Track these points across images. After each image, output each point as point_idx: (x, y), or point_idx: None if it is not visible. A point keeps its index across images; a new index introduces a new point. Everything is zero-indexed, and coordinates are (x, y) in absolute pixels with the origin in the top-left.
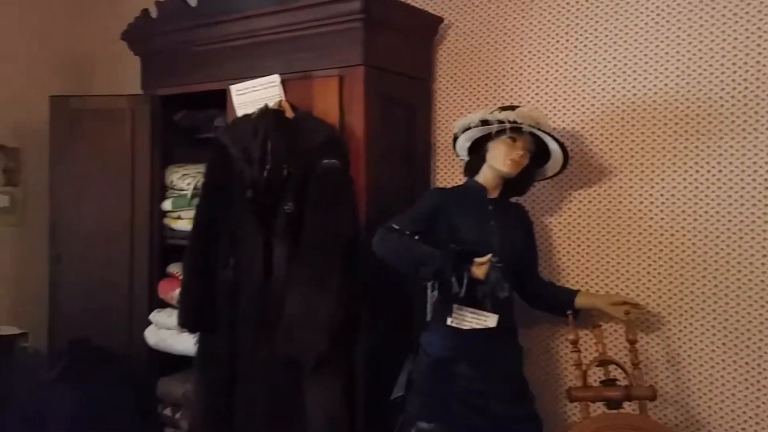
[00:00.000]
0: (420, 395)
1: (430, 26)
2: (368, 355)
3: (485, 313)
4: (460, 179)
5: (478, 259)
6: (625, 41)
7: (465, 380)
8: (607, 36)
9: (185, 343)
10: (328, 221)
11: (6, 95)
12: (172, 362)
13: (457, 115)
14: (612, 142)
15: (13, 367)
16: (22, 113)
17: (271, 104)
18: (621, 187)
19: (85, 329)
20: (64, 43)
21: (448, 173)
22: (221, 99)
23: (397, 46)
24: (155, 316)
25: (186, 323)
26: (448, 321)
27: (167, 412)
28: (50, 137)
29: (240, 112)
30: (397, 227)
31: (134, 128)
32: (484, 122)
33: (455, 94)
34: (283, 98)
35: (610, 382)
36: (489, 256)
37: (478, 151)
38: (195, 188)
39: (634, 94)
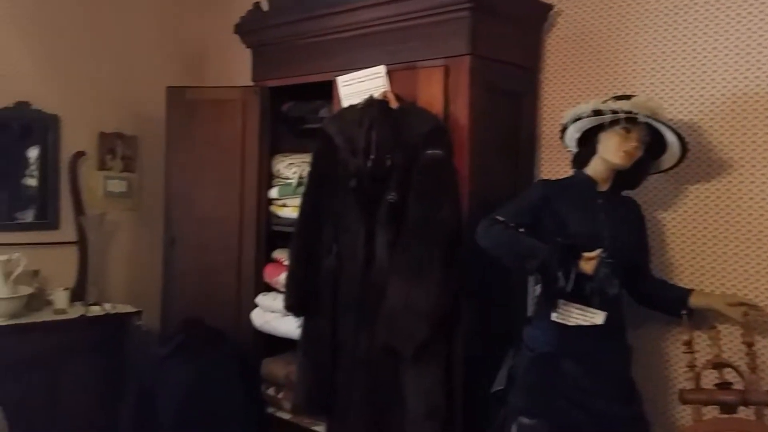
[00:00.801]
0: (522, 390)
1: (539, 13)
2: (468, 347)
3: (592, 309)
4: (565, 171)
5: (586, 254)
6: (748, 26)
7: (569, 376)
8: (727, 20)
9: (288, 326)
10: (430, 211)
11: (127, 86)
12: (277, 344)
13: (564, 105)
14: (732, 134)
15: (127, 343)
16: (140, 103)
17: (376, 95)
18: (741, 182)
19: (196, 309)
20: (180, 35)
21: (554, 165)
22: (328, 90)
23: (505, 34)
24: (261, 299)
25: (291, 307)
26: (553, 316)
27: (271, 391)
28: (166, 126)
29: (346, 103)
30: (501, 219)
31: (244, 119)
32: (597, 112)
33: (564, 83)
34: (388, 89)
35: (724, 386)
36: (599, 251)
37: (588, 142)
38: (300, 177)
39: (758, 84)
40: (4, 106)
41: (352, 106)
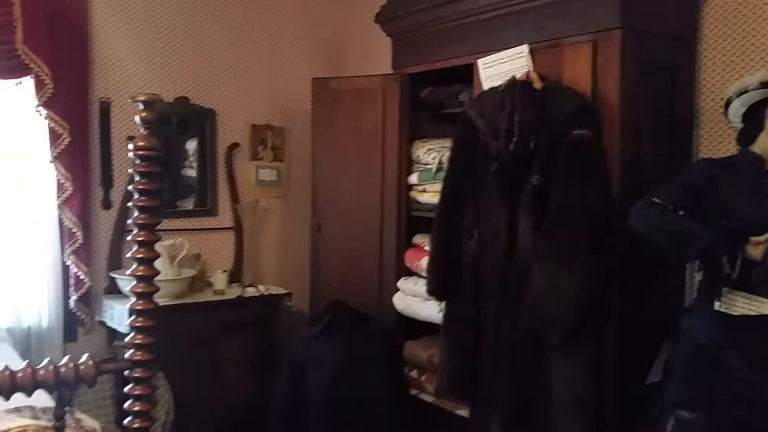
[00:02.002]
0: (681, 383)
1: None
2: (619, 336)
3: (760, 298)
4: (728, 150)
5: (754, 238)
6: None
7: (733, 369)
8: None
9: (430, 310)
10: (577, 194)
11: (275, 80)
12: (418, 327)
13: (725, 78)
14: None
15: (279, 322)
16: (288, 96)
17: (518, 76)
18: None
19: (341, 292)
20: (322, 28)
21: (714, 143)
22: (467, 74)
23: (658, 4)
24: (402, 283)
25: (433, 292)
26: (716, 305)
27: (413, 374)
28: (312, 116)
29: (487, 86)
30: (658, 201)
31: (385, 106)
32: (765, 84)
33: (724, 55)
34: (531, 69)
35: None
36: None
37: (755, 117)
38: (440, 162)
39: None
40: (166, 102)
41: (493, 89)
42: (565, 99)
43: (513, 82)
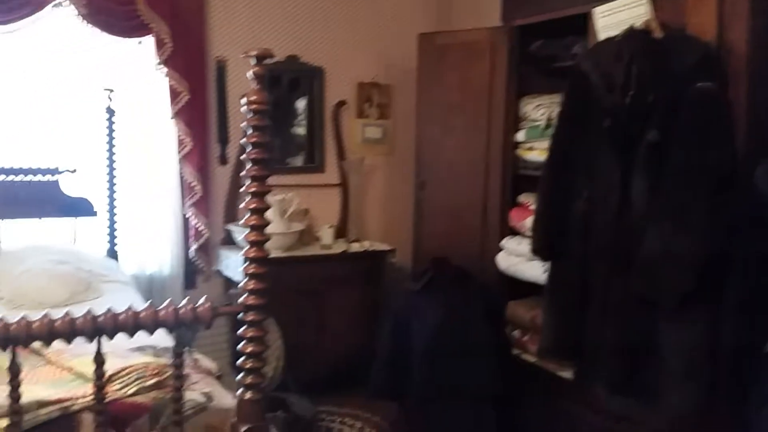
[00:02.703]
0: None
1: None
2: (738, 302)
3: None
4: None
5: None
6: None
7: None
8: None
9: (534, 271)
10: (698, 152)
11: (381, 37)
12: (522, 287)
13: None
14: None
15: (382, 277)
16: (393, 53)
17: (637, 25)
18: None
19: (444, 249)
20: None
21: None
22: (580, 25)
23: None
24: (506, 242)
25: (538, 251)
26: None
27: (516, 334)
28: (417, 72)
29: (603, 36)
30: None
31: (493, 60)
32: None
33: None
34: (652, 17)
35: None
36: None
37: None
38: (549, 119)
39: None
40: (277, 60)
41: (609, 39)
42: (688, 49)
43: (631, 32)
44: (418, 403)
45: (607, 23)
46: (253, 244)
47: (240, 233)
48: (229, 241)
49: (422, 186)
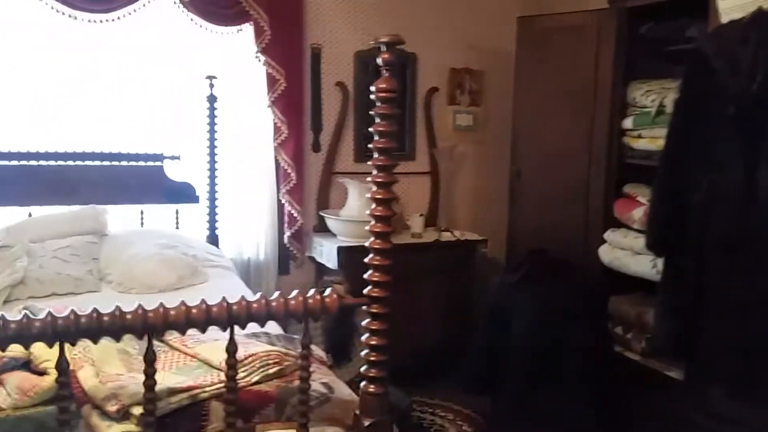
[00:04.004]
0: None
1: None
2: None
3: None
4: None
5: None
6: None
7: None
8: None
9: (641, 266)
10: None
11: (476, 22)
12: (624, 282)
13: None
14: None
15: (473, 268)
16: (488, 38)
17: (766, 6)
18: None
19: (540, 241)
20: None
21: None
22: (696, 6)
23: None
24: (610, 235)
25: (652, 246)
26: None
27: (618, 330)
28: (516, 58)
29: (725, 19)
30: None
31: (599, 44)
32: None
33: None
34: None
35: None
36: None
37: None
38: (660, 105)
39: None
40: (368, 47)
41: (733, 22)
42: None
43: (759, 14)
44: (513, 398)
45: (731, 5)
46: (378, 235)
47: (333, 222)
48: (321, 228)
49: (518, 175)
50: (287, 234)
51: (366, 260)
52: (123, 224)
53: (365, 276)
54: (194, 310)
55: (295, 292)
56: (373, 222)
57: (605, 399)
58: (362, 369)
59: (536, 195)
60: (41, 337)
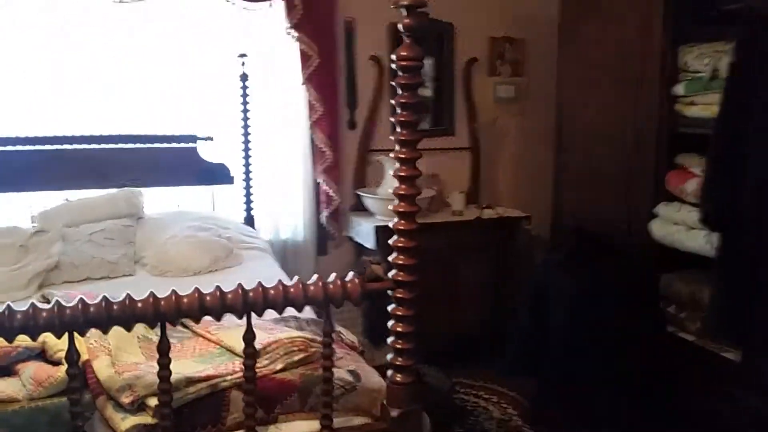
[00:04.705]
0: None
1: None
2: None
3: None
4: None
5: None
6: None
7: None
8: None
9: (696, 241)
10: None
11: None
12: (676, 258)
13: None
14: None
15: (515, 245)
16: (530, 4)
17: None
18: None
19: (586, 216)
20: None
21: None
22: None
23: None
24: (662, 208)
25: (707, 221)
26: None
27: (671, 309)
28: (559, 24)
29: None
30: None
31: (648, 7)
32: None
33: None
34: None
35: None
36: None
37: None
38: (714, 70)
39: None
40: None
41: None
42: None
43: None
44: (558, 381)
45: None
46: (402, 215)
47: (371, 201)
48: (359, 207)
49: (561, 148)
50: (324, 214)
51: (390, 242)
52: (159, 207)
53: (389, 258)
54: (208, 298)
55: (314, 278)
56: (396, 201)
57: (655, 381)
58: (388, 357)
59: (581, 168)
60: (48, 327)
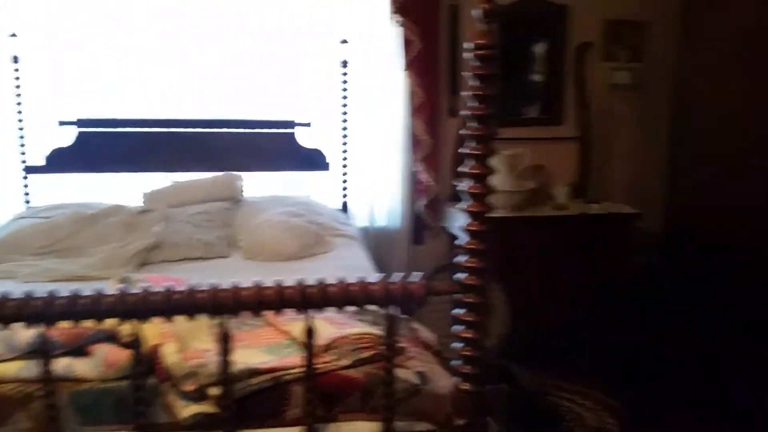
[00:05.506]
0: None
1: None
2: None
3: None
4: None
5: None
6: None
7: None
8: None
9: None
10: None
11: None
12: None
13: None
14: None
15: (625, 245)
16: None
17: None
18: None
19: (710, 216)
20: None
21: None
22: None
23: None
24: None
25: None
26: None
27: None
28: (683, 5)
29: None
30: None
31: None
32: None
33: None
34: None
35: None
36: None
37: None
38: None
39: None
40: (512, 2)
41: None
42: None
43: None
44: (663, 392)
45: None
46: (473, 215)
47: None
48: (457, 197)
49: (682, 141)
50: (420, 203)
51: (459, 243)
52: (258, 191)
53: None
54: (267, 292)
55: (378, 276)
56: (468, 201)
57: None
58: (453, 363)
59: (704, 164)
60: (111, 313)
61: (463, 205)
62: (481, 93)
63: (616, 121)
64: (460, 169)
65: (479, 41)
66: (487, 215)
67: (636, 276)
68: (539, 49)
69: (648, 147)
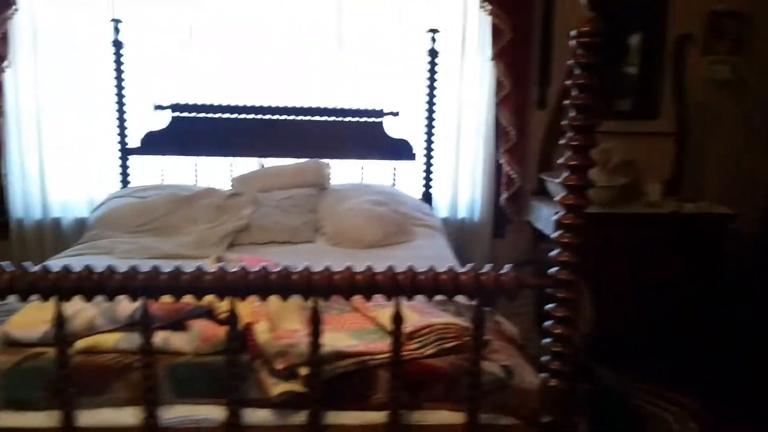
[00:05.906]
0: None
1: None
2: None
3: None
4: None
5: None
6: None
7: None
8: None
9: None
10: None
11: None
12: None
13: None
14: None
15: (720, 247)
16: None
17: None
18: None
19: None
20: None
21: None
22: None
23: None
24: None
25: None
26: None
27: None
28: None
29: None
30: None
31: None
32: None
33: None
34: None
35: None
36: None
37: None
38: None
39: None
40: None
41: None
42: None
43: None
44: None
45: None
46: (569, 208)
47: (555, 186)
48: (541, 192)
49: None
50: (503, 196)
51: (553, 236)
52: (344, 179)
53: (553, 253)
54: (359, 277)
55: (468, 266)
56: (565, 193)
57: None
58: (543, 359)
59: None
60: (212, 290)
61: (558, 196)
62: (582, 82)
63: (714, 117)
64: (559, 162)
65: (583, 29)
66: (584, 209)
67: (730, 279)
68: (634, 40)
69: (747, 145)
